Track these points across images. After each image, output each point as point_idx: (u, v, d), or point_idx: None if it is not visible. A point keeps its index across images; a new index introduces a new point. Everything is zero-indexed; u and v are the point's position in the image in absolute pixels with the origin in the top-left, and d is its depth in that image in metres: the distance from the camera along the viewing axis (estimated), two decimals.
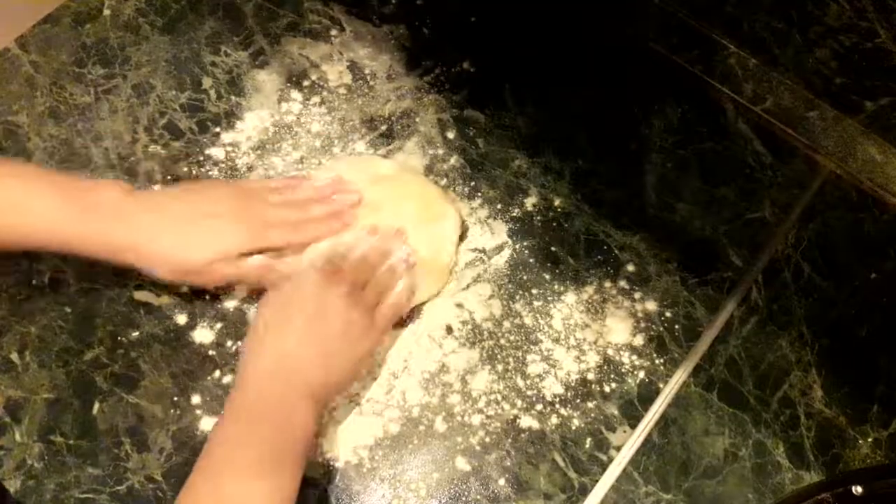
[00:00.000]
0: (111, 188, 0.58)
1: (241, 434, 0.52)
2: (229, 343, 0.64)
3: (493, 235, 0.69)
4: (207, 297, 0.65)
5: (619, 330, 0.66)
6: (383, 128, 0.74)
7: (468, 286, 0.67)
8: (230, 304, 0.65)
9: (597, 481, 0.60)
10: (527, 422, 0.62)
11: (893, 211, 0.72)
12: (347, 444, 0.61)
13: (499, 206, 0.70)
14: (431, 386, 0.63)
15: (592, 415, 0.63)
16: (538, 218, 0.70)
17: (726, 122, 0.76)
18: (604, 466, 0.61)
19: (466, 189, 0.71)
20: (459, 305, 0.66)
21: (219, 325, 0.65)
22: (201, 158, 0.71)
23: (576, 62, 0.78)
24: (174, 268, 0.58)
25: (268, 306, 0.58)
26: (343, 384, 0.60)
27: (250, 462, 0.50)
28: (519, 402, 0.63)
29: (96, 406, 0.61)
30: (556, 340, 0.65)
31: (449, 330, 0.65)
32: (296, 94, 0.74)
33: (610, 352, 0.65)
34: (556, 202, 0.71)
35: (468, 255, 0.68)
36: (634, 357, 0.65)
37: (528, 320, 0.66)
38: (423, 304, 0.66)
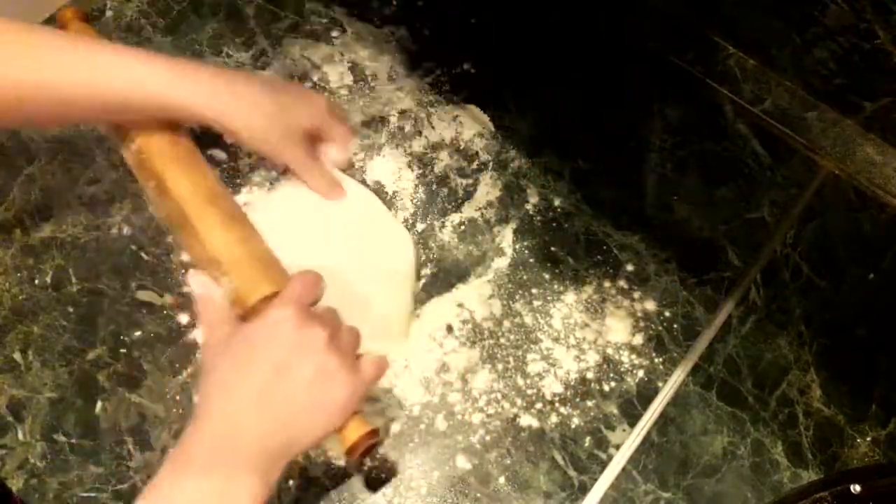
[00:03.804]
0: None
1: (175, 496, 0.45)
2: None
3: (492, 235, 0.70)
4: None
5: (618, 329, 0.66)
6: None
7: (469, 284, 0.67)
8: None
9: (596, 480, 0.61)
10: (527, 420, 0.62)
11: (892, 211, 0.72)
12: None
13: (499, 207, 0.71)
14: (432, 385, 0.63)
15: (592, 413, 0.63)
16: (538, 218, 0.71)
17: (725, 122, 0.76)
18: (603, 465, 0.61)
19: None
20: (460, 305, 0.66)
21: None
22: (204, 159, 0.71)
23: (575, 63, 0.78)
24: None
25: (224, 352, 0.49)
26: (311, 443, 0.50)
27: None
28: (519, 401, 0.63)
29: (99, 405, 0.62)
30: (556, 340, 0.65)
31: (449, 329, 0.65)
32: None
33: (609, 351, 0.65)
34: (556, 202, 0.71)
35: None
36: (634, 356, 0.65)
37: (528, 320, 0.66)
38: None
